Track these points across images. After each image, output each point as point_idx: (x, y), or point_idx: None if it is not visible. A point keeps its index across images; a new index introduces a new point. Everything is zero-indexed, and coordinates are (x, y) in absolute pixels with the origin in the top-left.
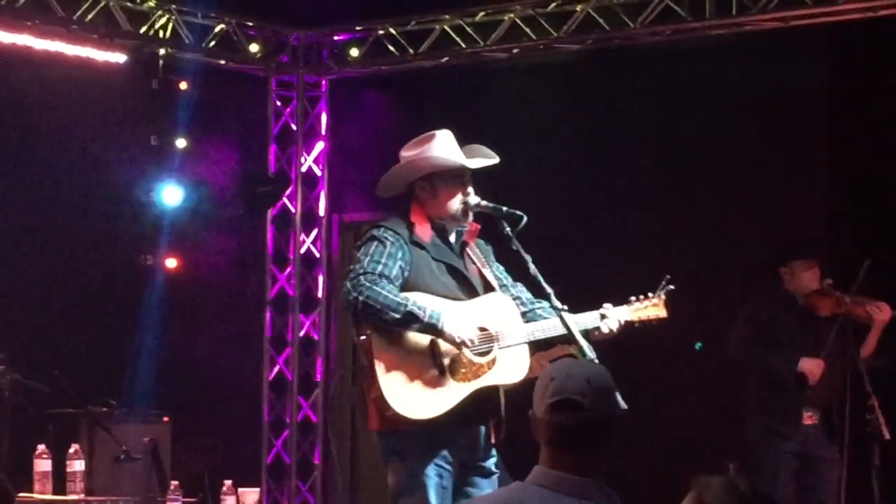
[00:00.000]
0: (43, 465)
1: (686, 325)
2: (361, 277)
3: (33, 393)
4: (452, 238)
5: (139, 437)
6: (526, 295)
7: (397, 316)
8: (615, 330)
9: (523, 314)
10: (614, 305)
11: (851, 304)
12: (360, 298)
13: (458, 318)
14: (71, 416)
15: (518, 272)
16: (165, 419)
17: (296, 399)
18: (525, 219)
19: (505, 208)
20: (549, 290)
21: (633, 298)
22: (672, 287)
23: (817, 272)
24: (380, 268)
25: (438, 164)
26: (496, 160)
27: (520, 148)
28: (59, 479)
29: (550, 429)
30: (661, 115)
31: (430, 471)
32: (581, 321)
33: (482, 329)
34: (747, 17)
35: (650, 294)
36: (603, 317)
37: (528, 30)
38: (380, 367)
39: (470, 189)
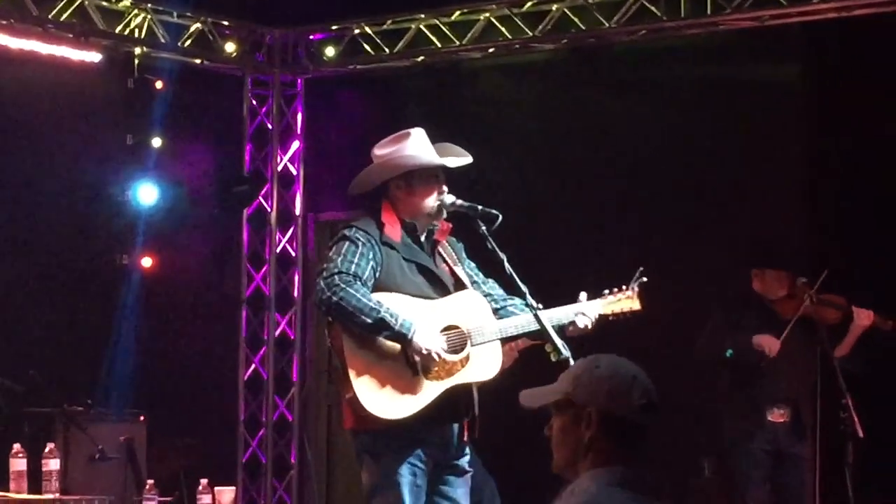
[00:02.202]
0: (18, 464)
1: (661, 323)
2: (336, 277)
3: (8, 392)
4: (423, 237)
5: (115, 436)
6: (498, 292)
7: (369, 321)
8: (590, 324)
9: (495, 311)
10: (588, 300)
11: (818, 305)
12: (334, 299)
13: (428, 327)
14: (46, 416)
15: (493, 270)
16: (141, 418)
17: (272, 398)
18: (500, 218)
19: (480, 207)
20: (524, 288)
21: (606, 291)
22: (645, 279)
23: (787, 283)
24: (353, 268)
25: (416, 163)
26: (469, 159)
27: (495, 147)
28: (35, 479)
29: (634, 429)
30: (636, 114)
31: (404, 469)
32: (556, 316)
33: (454, 327)
34: (722, 17)
35: (624, 287)
36: (577, 311)
37: (503, 29)
38: (352, 368)
39: (444, 187)
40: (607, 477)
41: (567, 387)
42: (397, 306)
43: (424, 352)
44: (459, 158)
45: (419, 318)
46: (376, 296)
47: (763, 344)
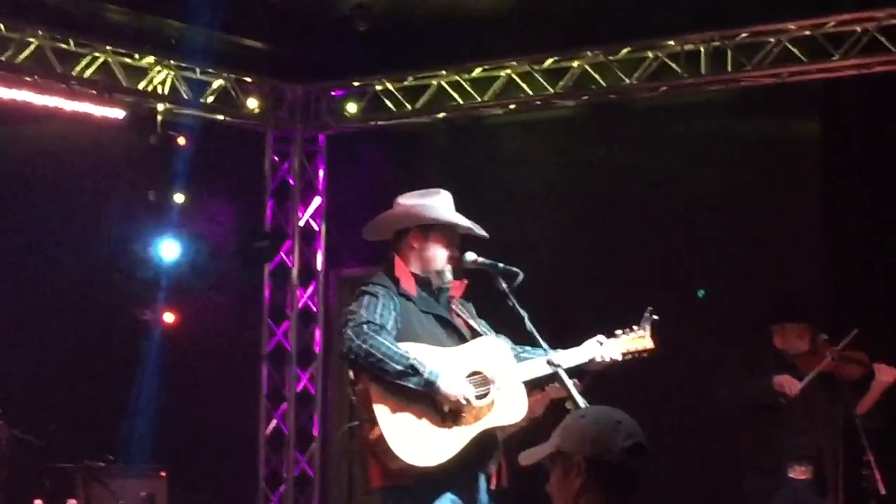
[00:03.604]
0: None
1: (683, 380)
2: (364, 326)
3: (29, 447)
4: (437, 291)
5: (136, 492)
6: (509, 345)
7: (399, 367)
8: (606, 362)
9: None
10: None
11: (839, 361)
12: (364, 346)
13: (454, 375)
14: (68, 471)
15: (513, 327)
16: (162, 474)
17: (292, 453)
18: (521, 275)
19: (501, 264)
20: (545, 345)
21: (618, 332)
22: (656, 318)
23: (808, 337)
24: (378, 318)
25: (443, 218)
26: (485, 234)
27: (515, 202)
28: None
29: (621, 473)
30: (656, 170)
31: None
32: (574, 358)
33: (477, 373)
34: (742, 73)
35: (635, 326)
36: (595, 351)
37: (524, 85)
38: (382, 417)
39: (456, 252)
40: None
41: (557, 439)
42: (422, 354)
43: (453, 398)
44: (478, 229)
45: (444, 365)
46: (400, 344)
47: (784, 384)
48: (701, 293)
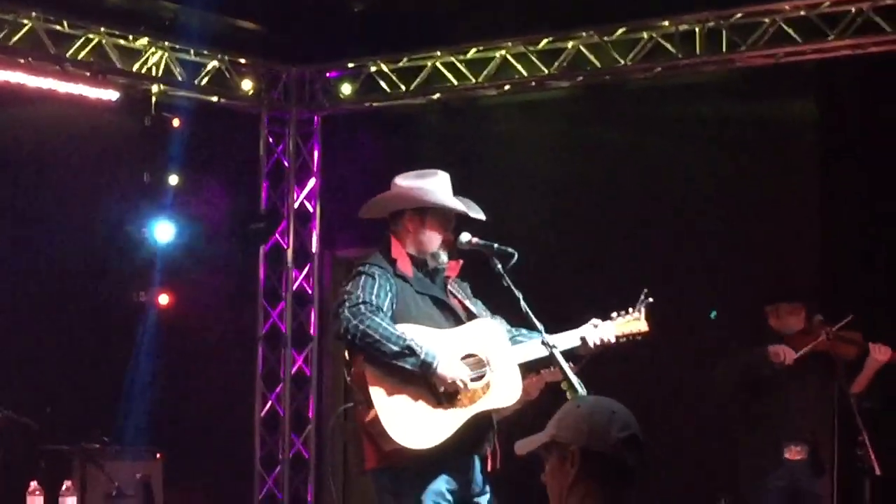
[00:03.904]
0: (35, 501)
1: (678, 361)
2: (361, 307)
3: (25, 429)
4: (433, 273)
5: (132, 474)
6: (505, 326)
7: (395, 349)
8: (600, 345)
9: None
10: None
11: (835, 341)
12: (361, 327)
13: (450, 356)
14: (63, 453)
15: (508, 308)
16: (158, 456)
17: (288, 435)
18: (515, 256)
19: (496, 245)
20: (539, 326)
21: (614, 314)
22: (651, 300)
23: (803, 315)
24: (375, 299)
25: (439, 202)
26: (483, 216)
27: (510, 183)
28: None
29: (615, 465)
30: (650, 151)
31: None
32: (567, 340)
33: (472, 355)
34: (737, 54)
35: (630, 309)
36: (589, 333)
37: (519, 66)
38: (377, 399)
39: (451, 235)
40: None
41: (552, 429)
42: (419, 336)
43: (450, 380)
44: (476, 212)
45: (440, 347)
46: (401, 328)
47: (779, 352)
48: (713, 314)
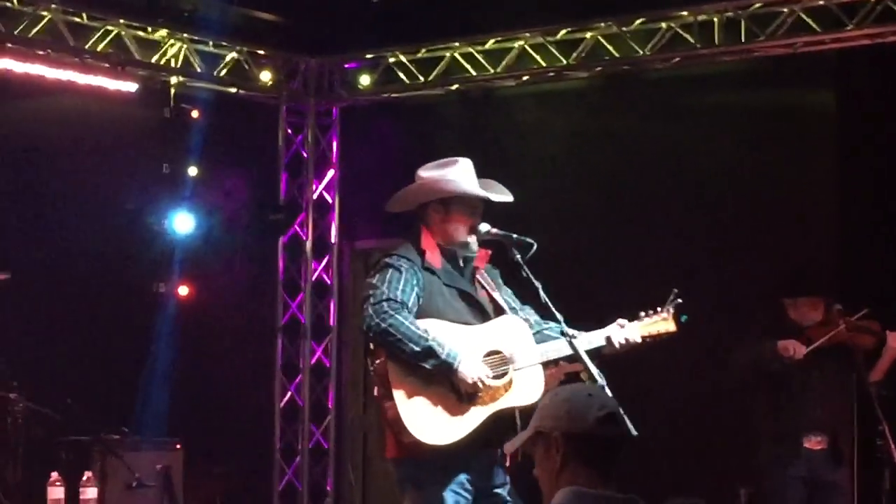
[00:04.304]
0: (56, 492)
1: (697, 351)
2: (385, 304)
3: (45, 420)
4: (462, 263)
5: (152, 465)
6: (534, 317)
7: (417, 349)
8: (626, 344)
9: (533, 335)
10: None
11: (852, 331)
12: (383, 325)
13: (472, 354)
14: (83, 444)
15: (528, 298)
16: (178, 446)
17: (307, 426)
18: (534, 246)
19: (515, 235)
20: (559, 316)
21: (642, 314)
22: (680, 301)
23: (822, 308)
24: (400, 295)
25: (458, 189)
26: (510, 198)
27: (529, 173)
28: None
29: (597, 444)
30: (669, 141)
31: (448, 497)
32: (593, 340)
33: (496, 352)
34: (756, 44)
35: (659, 309)
36: (614, 333)
37: (537, 57)
38: (399, 394)
39: (479, 220)
40: (562, 497)
41: (535, 422)
42: (441, 334)
43: (470, 381)
44: (502, 195)
45: (463, 345)
46: (419, 322)
47: (788, 347)
48: (683, 318)
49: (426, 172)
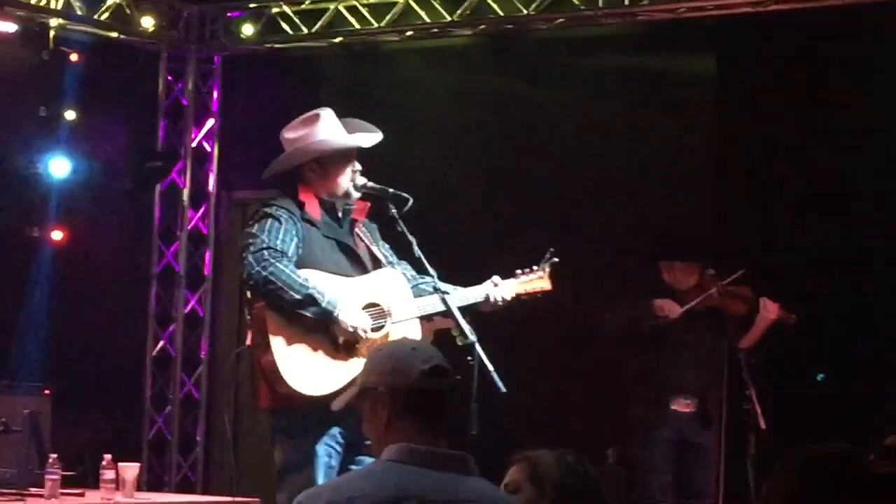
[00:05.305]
0: None
1: (571, 312)
2: (265, 252)
3: None
4: (341, 215)
5: (19, 409)
6: (409, 272)
7: (297, 297)
8: (501, 302)
9: None
10: (501, 279)
11: (724, 296)
12: (264, 274)
13: (352, 305)
14: None
15: (403, 253)
16: (46, 392)
17: (179, 375)
18: (410, 201)
19: (391, 190)
20: (432, 271)
21: (518, 272)
22: (556, 260)
23: (697, 273)
24: (280, 244)
25: (328, 147)
26: (380, 135)
27: (410, 130)
28: None
29: (423, 397)
30: (551, 102)
31: (320, 449)
32: (468, 296)
33: (374, 304)
34: (639, 7)
35: (535, 267)
36: (490, 290)
37: (422, 13)
38: (276, 343)
39: (357, 165)
40: (391, 453)
41: (361, 377)
42: (322, 283)
43: (350, 329)
44: (370, 135)
45: (342, 295)
46: (300, 272)
47: (664, 306)
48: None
49: (292, 133)
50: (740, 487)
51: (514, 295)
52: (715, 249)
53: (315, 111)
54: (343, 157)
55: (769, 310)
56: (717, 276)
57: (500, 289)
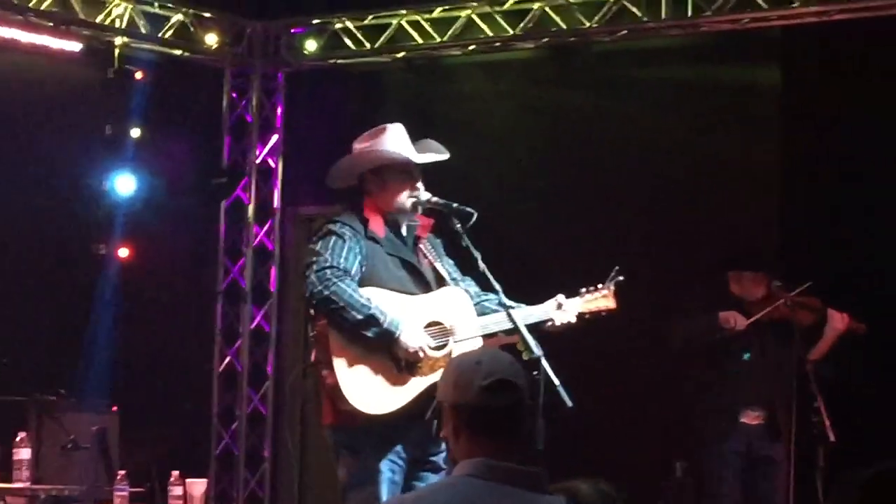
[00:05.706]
0: None
1: (637, 325)
2: (328, 271)
3: None
4: (405, 232)
5: (87, 427)
6: (474, 289)
7: (359, 317)
8: (567, 321)
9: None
10: (566, 297)
11: (792, 307)
12: (325, 293)
13: (414, 324)
14: (19, 405)
15: (467, 268)
16: (114, 408)
17: (245, 391)
18: (475, 215)
19: (455, 204)
20: (497, 286)
21: (583, 290)
22: (621, 278)
23: (764, 284)
24: (343, 263)
25: (386, 157)
26: (446, 156)
27: (473, 144)
28: (5, 467)
29: (486, 413)
30: (615, 114)
31: (384, 466)
32: (533, 314)
33: (437, 323)
34: (702, 18)
35: (600, 285)
36: (558, 306)
37: (484, 27)
38: (338, 362)
39: (419, 184)
40: (469, 467)
41: (437, 391)
42: (384, 302)
43: (411, 350)
44: (435, 154)
45: (404, 314)
46: (362, 290)
47: (730, 318)
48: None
49: (359, 144)
50: (809, 500)
51: (578, 313)
52: (781, 262)
53: (385, 125)
54: (402, 172)
55: (838, 320)
56: (785, 287)
57: (564, 312)
